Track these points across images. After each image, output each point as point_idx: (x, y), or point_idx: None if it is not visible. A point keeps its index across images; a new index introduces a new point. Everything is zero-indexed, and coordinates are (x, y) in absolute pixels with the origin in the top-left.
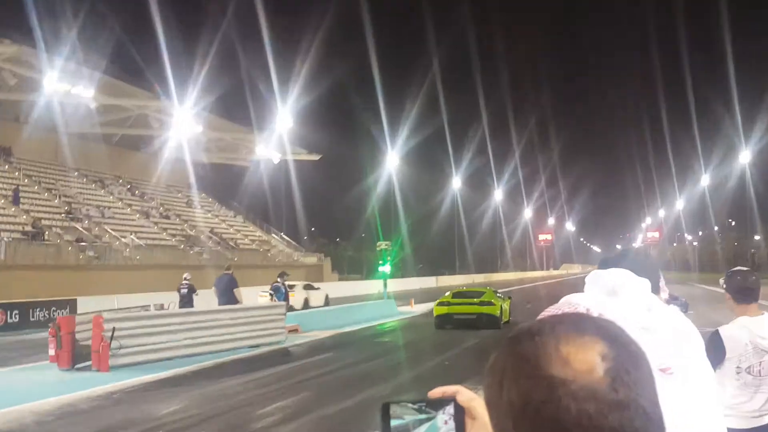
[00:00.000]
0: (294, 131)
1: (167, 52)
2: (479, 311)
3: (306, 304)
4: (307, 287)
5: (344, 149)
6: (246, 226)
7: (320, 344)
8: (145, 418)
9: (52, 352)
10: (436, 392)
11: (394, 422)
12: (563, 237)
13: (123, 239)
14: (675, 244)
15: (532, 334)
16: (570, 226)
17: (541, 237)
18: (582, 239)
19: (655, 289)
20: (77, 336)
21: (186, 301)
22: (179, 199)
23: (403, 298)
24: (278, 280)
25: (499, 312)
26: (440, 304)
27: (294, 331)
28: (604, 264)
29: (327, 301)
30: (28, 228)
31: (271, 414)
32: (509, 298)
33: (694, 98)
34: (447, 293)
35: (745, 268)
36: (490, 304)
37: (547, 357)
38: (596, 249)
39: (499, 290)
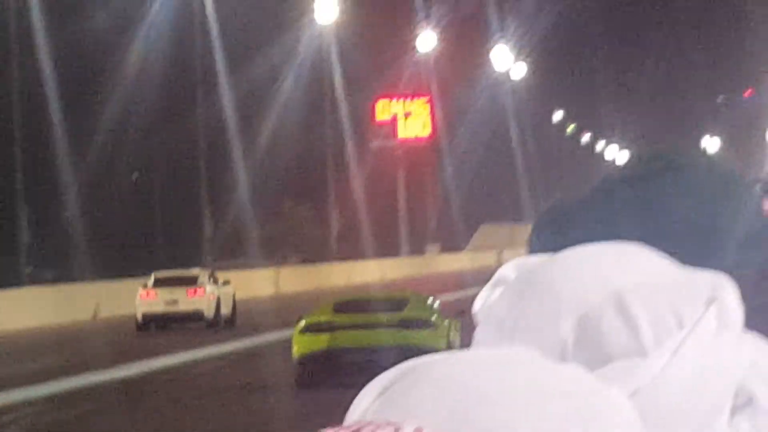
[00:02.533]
0: None
1: None
2: (405, 341)
3: (217, 313)
4: (213, 279)
5: None
6: None
7: None
8: None
9: None
10: None
11: None
12: (483, 112)
13: None
14: None
15: None
16: (510, 63)
17: (385, 113)
18: (567, 123)
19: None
20: None
21: None
22: None
23: None
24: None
25: (445, 342)
26: (310, 328)
27: None
28: (558, 221)
29: (234, 309)
30: None
31: None
32: (461, 313)
33: None
34: (323, 305)
35: None
36: (422, 325)
37: None
38: (615, 155)
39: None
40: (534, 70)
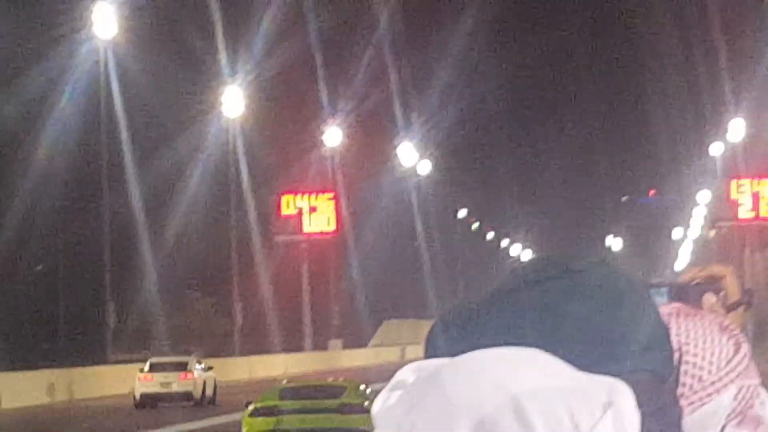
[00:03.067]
0: None
1: None
2: (340, 424)
3: (203, 394)
4: (200, 364)
5: None
6: None
7: None
8: None
9: None
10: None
11: None
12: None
13: None
14: None
15: None
16: (415, 159)
17: (291, 207)
18: (472, 220)
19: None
20: None
21: None
22: None
23: None
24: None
25: (367, 424)
26: (258, 412)
27: None
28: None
29: (215, 391)
30: None
31: None
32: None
33: None
34: (269, 391)
35: None
36: (359, 410)
37: None
38: (520, 252)
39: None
40: (438, 168)
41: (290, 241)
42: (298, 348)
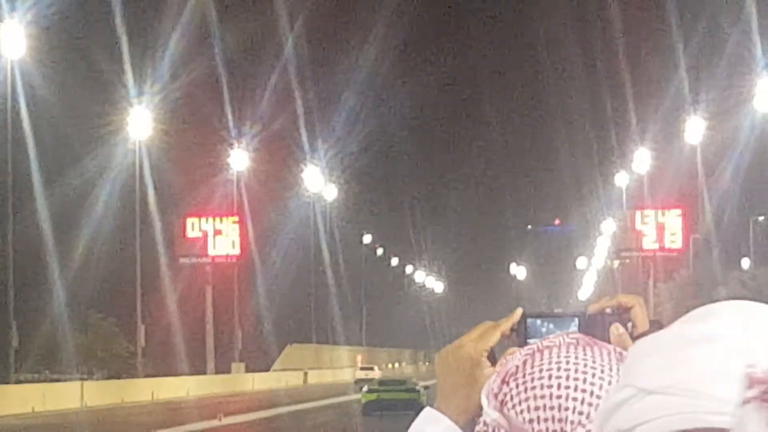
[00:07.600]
0: None
1: None
2: (407, 397)
3: None
4: (377, 367)
5: None
6: None
7: None
8: None
9: None
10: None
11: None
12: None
13: None
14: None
15: None
16: (321, 184)
17: (196, 230)
18: (377, 246)
19: None
20: None
21: None
22: None
23: None
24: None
25: (425, 399)
26: (369, 390)
27: None
28: None
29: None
30: None
31: None
32: (426, 387)
33: None
34: (374, 380)
35: None
36: (415, 390)
37: None
38: (424, 278)
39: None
40: (344, 193)
41: (195, 263)
42: (201, 370)
